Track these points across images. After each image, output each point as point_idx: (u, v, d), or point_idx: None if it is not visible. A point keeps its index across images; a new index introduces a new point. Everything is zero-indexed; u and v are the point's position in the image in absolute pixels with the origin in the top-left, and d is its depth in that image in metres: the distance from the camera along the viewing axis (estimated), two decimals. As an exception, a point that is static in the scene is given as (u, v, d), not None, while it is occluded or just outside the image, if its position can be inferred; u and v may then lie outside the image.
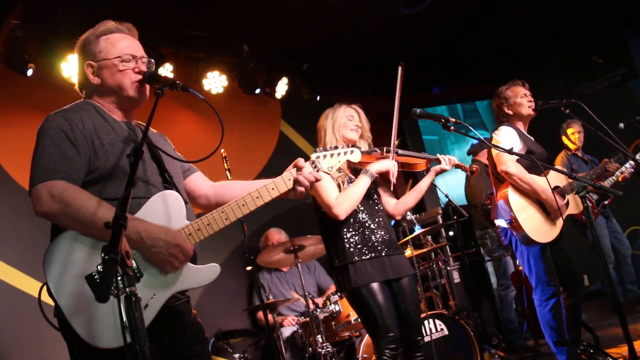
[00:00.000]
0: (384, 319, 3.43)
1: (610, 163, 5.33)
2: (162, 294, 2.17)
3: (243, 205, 2.39)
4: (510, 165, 4.28)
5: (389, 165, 3.62)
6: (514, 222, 4.25)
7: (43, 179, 2.12)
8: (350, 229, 3.61)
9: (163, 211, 2.26)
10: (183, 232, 2.24)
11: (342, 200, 3.54)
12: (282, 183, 2.47)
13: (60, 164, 2.15)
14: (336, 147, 2.71)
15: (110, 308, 1.96)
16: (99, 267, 2.07)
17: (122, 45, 2.41)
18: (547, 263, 4.31)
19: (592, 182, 3.34)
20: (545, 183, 4.10)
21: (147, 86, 2.40)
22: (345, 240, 3.59)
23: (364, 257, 3.54)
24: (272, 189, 2.45)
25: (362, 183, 3.58)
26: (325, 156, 2.66)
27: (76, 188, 2.15)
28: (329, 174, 2.70)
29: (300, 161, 2.51)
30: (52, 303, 2.08)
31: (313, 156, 2.64)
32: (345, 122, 3.79)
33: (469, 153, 6.95)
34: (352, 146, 2.79)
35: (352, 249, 3.56)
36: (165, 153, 2.47)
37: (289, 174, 2.49)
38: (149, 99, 2.48)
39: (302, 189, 2.48)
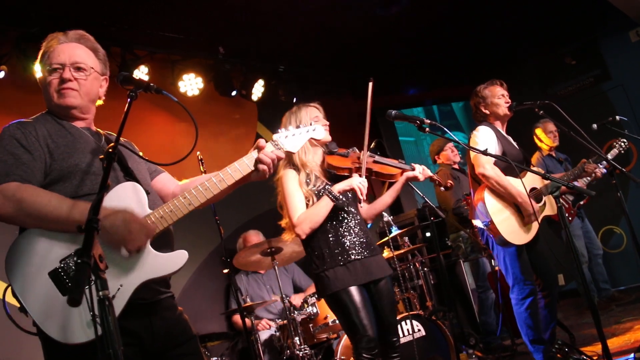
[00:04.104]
0: (361, 320, 3.44)
1: (589, 164, 5.38)
2: (129, 284, 2.14)
3: (206, 189, 2.37)
4: (487, 167, 4.31)
5: (354, 182, 3.55)
6: (490, 225, 4.28)
7: None
8: (327, 236, 3.61)
9: (124, 201, 2.24)
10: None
11: (303, 219, 3.54)
12: (244, 164, 2.47)
13: (13, 168, 2.18)
14: (298, 127, 2.72)
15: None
16: (61, 262, 2.07)
17: (53, 56, 2.44)
18: (523, 263, 4.34)
19: (565, 183, 3.37)
20: (521, 186, 4.13)
21: (73, 91, 2.41)
22: (323, 247, 3.59)
23: (340, 263, 3.54)
24: (235, 171, 2.45)
25: (323, 204, 3.54)
26: (287, 136, 2.66)
27: (29, 186, 2.16)
28: (293, 152, 2.70)
29: (261, 142, 2.53)
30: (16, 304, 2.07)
31: (275, 137, 2.64)
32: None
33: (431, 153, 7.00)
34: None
35: (329, 256, 3.57)
36: (136, 154, 2.50)
37: (251, 155, 2.50)
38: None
39: (264, 167, 2.48)
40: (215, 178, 2.40)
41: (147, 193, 2.35)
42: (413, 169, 3.82)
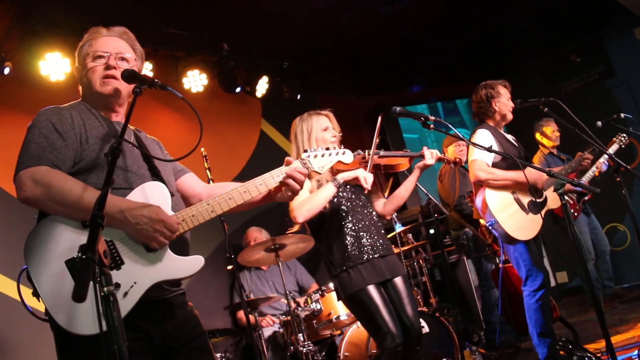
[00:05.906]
0: (383, 317, 3.49)
1: (585, 154, 5.38)
2: (143, 282, 2.15)
3: (230, 199, 2.39)
4: (479, 173, 4.34)
5: (359, 173, 3.63)
6: (495, 224, 4.29)
7: (27, 166, 2.16)
8: (342, 238, 3.67)
9: (149, 200, 2.26)
10: None
11: (301, 203, 3.58)
12: (270, 179, 2.49)
13: (47, 152, 2.19)
14: (327, 148, 2.74)
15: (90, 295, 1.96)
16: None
17: (97, 45, 2.48)
18: (534, 255, 4.36)
19: (570, 180, 3.36)
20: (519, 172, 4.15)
21: (116, 80, 2.42)
22: (339, 249, 3.65)
23: (357, 263, 3.60)
24: (260, 184, 2.47)
25: (326, 190, 3.62)
26: (316, 156, 2.68)
27: (59, 172, 2.18)
28: (320, 173, 2.71)
29: (290, 159, 2.55)
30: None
31: (304, 155, 2.66)
32: (323, 136, 3.79)
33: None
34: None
35: (347, 258, 3.62)
36: (146, 153, 2.48)
37: (279, 170, 2.51)
38: (128, 98, 2.52)
39: (292, 182, 2.49)
40: (240, 189, 2.43)
41: (172, 195, 2.37)
42: (422, 155, 3.86)
